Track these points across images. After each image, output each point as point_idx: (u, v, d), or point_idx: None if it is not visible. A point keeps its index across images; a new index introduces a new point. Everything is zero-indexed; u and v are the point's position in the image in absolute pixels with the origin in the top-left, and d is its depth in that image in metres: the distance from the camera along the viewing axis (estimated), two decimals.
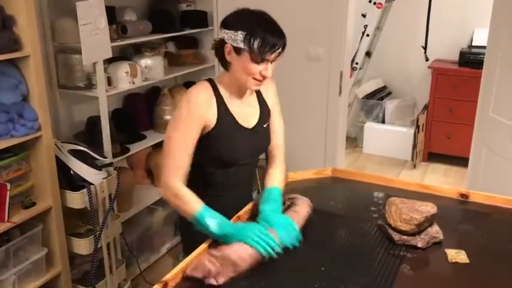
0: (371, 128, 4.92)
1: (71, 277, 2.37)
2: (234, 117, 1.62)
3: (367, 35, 4.72)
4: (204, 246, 1.48)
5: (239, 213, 1.65)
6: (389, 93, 5.08)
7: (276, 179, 1.72)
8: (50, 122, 2.15)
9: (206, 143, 1.59)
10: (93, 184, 2.26)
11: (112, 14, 2.61)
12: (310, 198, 1.66)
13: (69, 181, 2.25)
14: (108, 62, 2.62)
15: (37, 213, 2.14)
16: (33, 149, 2.13)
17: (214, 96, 1.59)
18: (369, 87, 5.05)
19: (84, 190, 2.23)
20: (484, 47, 2.80)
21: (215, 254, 1.36)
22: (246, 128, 1.65)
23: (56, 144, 2.25)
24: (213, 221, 1.48)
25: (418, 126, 4.50)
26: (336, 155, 3.31)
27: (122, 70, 2.65)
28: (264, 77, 1.53)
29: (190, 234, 1.60)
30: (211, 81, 1.63)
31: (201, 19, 3.27)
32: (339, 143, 3.31)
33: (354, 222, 1.64)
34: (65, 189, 2.24)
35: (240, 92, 1.64)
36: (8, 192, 2.01)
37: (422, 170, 4.59)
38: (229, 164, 1.66)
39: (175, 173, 1.55)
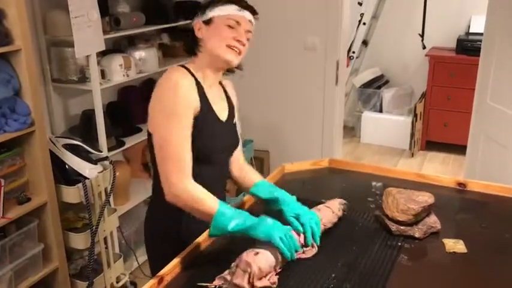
0: (368, 117, 4.90)
1: (69, 272, 2.37)
2: (212, 107, 1.50)
3: (364, 24, 4.70)
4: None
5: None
6: (387, 82, 5.06)
7: (257, 174, 1.63)
8: (44, 117, 2.13)
9: None
10: (88, 178, 2.25)
11: (104, 6, 2.58)
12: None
13: (65, 176, 2.24)
14: (102, 54, 2.59)
15: (32, 208, 2.13)
16: (27, 144, 2.12)
17: (193, 81, 1.47)
18: (366, 76, 5.02)
19: (80, 184, 2.22)
20: (481, 34, 2.77)
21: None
22: (221, 121, 1.54)
23: (50, 139, 2.24)
24: (234, 220, 1.33)
25: (415, 115, 4.49)
26: (334, 145, 3.30)
27: (116, 63, 2.62)
28: (239, 43, 1.46)
29: (160, 255, 1.52)
30: (184, 67, 1.51)
31: (194, 10, 3.23)
32: (336, 132, 3.30)
33: (351, 213, 1.62)
34: (60, 184, 2.23)
35: (214, 78, 1.53)
36: (3, 188, 2.01)
37: (421, 158, 4.59)
38: (206, 159, 1.49)
39: (184, 176, 1.38)
